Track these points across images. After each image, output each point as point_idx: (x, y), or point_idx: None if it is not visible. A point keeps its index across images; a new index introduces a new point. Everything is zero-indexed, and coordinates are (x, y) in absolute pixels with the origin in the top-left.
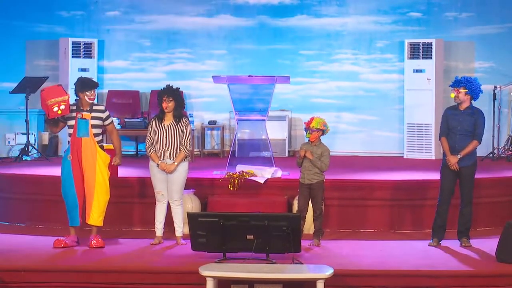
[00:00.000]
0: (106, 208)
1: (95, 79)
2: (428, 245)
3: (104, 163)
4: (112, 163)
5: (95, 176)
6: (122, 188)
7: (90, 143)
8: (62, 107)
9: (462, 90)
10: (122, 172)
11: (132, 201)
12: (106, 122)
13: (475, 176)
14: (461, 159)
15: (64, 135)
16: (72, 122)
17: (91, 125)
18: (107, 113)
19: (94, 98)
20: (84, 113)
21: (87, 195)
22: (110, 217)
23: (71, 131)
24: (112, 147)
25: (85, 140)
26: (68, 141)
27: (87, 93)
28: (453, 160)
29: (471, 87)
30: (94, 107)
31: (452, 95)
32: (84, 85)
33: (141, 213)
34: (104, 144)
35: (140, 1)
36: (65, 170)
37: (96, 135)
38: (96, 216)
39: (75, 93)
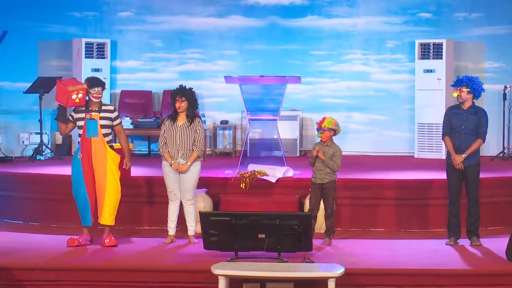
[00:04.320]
0: (117, 207)
1: (102, 79)
2: (446, 244)
3: (114, 163)
4: (123, 167)
5: (106, 175)
6: (135, 188)
7: (100, 143)
8: (80, 95)
9: (465, 89)
10: (135, 171)
11: (145, 200)
12: (115, 122)
13: (485, 176)
14: (466, 158)
15: (76, 134)
16: (81, 123)
17: (100, 125)
18: (116, 113)
19: (99, 97)
20: (93, 113)
21: (99, 195)
22: (123, 216)
23: (80, 131)
24: (120, 147)
25: (94, 140)
26: (78, 141)
27: (91, 91)
28: (459, 159)
29: (473, 86)
30: (103, 107)
31: (455, 94)
32: (88, 83)
33: (153, 212)
34: (114, 144)
35: (152, 2)
36: (75, 169)
37: (105, 135)
38: (108, 215)
39: None
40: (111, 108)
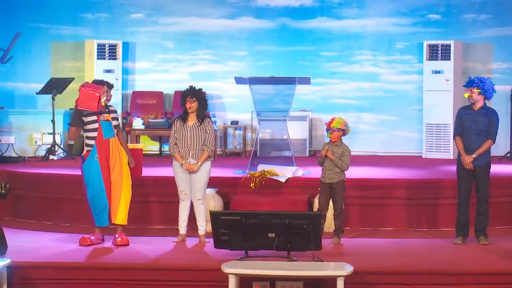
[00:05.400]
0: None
1: (110, 81)
2: (454, 243)
3: (126, 162)
4: (130, 166)
5: (122, 175)
6: (146, 187)
7: (117, 143)
8: (104, 98)
9: (476, 90)
10: (146, 171)
11: (156, 200)
12: (118, 122)
13: (492, 175)
14: (475, 158)
15: None
16: (94, 125)
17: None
18: (118, 113)
19: (111, 99)
20: (105, 115)
21: (114, 195)
22: (134, 215)
23: (94, 134)
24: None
25: (112, 141)
26: (87, 144)
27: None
28: (468, 159)
29: (484, 87)
30: (110, 108)
31: (466, 95)
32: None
33: (164, 212)
34: None
35: (164, 4)
36: (94, 172)
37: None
38: (123, 215)
39: None
40: (115, 108)
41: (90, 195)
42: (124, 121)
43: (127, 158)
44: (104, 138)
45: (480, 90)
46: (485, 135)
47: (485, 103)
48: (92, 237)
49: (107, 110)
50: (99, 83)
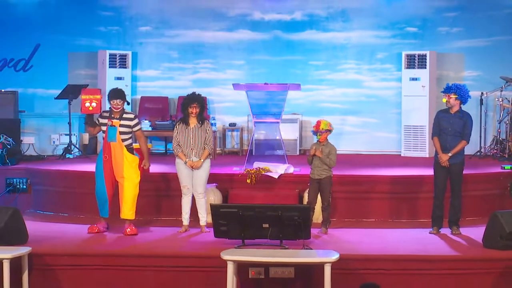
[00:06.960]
0: (135, 203)
1: (125, 91)
2: (429, 233)
3: (131, 164)
4: (142, 166)
5: (123, 176)
6: (153, 183)
7: (118, 147)
8: (94, 104)
9: (453, 96)
10: (153, 168)
11: (162, 194)
12: (135, 129)
13: (464, 172)
14: (451, 157)
15: (101, 136)
16: (104, 128)
17: (120, 131)
18: (136, 120)
19: (118, 108)
20: (114, 120)
21: (119, 193)
22: (143, 208)
23: (104, 135)
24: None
25: (113, 145)
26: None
27: (111, 102)
28: (444, 158)
29: (460, 93)
30: (124, 115)
31: (444, 100)
32: (110, 94)
33: (169, 205)
34: (134, 144)
35: (169, 18)
36: (98, 168)
37: (124, 140)
38: (126, 211)
39: (108, 102)
40: (131, 116)
41: (96, 187)
42: None
43: (136, 161)
44: (107, 141)
45: (456, 96)
46: (460, 136)
47: (460, 107)
48: (99, 225)
49: (118, 117)
50: (110, 92)
